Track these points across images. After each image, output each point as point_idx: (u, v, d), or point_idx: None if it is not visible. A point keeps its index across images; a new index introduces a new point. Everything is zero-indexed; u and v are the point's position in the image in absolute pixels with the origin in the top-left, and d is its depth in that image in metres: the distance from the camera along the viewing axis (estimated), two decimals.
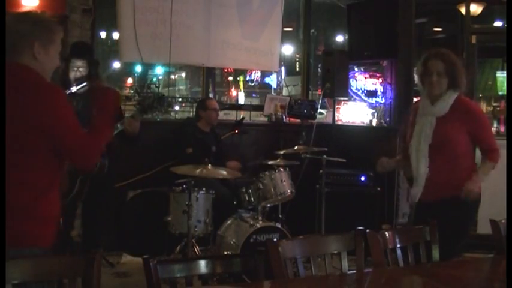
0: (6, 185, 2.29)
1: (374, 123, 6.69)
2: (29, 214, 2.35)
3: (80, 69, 4.42)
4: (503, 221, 2.86)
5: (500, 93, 7.39)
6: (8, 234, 2.25)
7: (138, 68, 18.75)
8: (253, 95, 16.43)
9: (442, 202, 3.32)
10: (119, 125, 4.09)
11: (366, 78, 6.91)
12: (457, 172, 3.37)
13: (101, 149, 2.52)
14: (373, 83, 6.88)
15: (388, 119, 6.58)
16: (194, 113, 5.70)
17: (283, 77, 11.51)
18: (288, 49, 13.01)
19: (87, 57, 4.50)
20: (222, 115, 6.40)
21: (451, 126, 3.37)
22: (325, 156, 5.26)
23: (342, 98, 6.65)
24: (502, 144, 5.08)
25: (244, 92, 16.15)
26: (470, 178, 3.33)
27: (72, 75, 4.44)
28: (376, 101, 6.82)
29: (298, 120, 6.45)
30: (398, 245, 2.69)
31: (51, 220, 2.46)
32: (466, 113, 3.39)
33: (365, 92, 6.87)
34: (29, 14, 2.52)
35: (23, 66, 2.37)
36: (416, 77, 3.49)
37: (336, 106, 6.61)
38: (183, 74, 18.46)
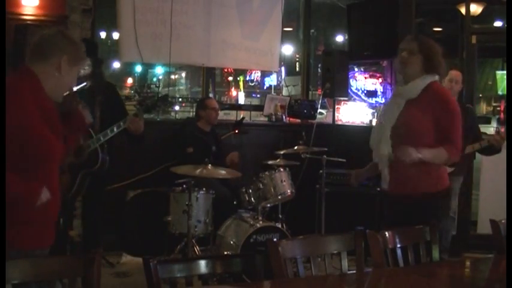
0: None
1: (374, 123, 6.69)
2: (18, 218, 2.34)
3: (85, 67, 4.41)
4: (503, 221, 2.86)
5: (500, 92, 7.40)
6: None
7: (138, 68, 18.75)
8: (253, 95, 16.44)
9: (410, 197, 3.14)
10: (122, 123, 4.09)
11: (366, 78, 6.91)
12: (422, 166, 3.11)
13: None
14: (373, 83, 6.88)
15: None
16: (194, 113, 5.70)
17: (283, 77, 11.51)
18: (288, 49, 13.02)
19: (91, 55, 4.49)
20: (222, 115, 6.40)
21: (417, 111, 3.16)
22: (325, 156, 5.26)
23: (342, 98, 6.65)
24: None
25: (244, 92, 16.16)
26: (434, 184, 3.15)
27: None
28: (376, 101, 6.82)
29: (298, 120, 6.45)
30: (398, 245, 2.69)
31: (47, 223, 2.48)
32: (437, 100, 3.18)
33: (365, 92, 6.87)
34: (68, 33, 2.67)
35: (30, 70, 2.46)
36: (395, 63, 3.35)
37: (336, 106, 6.60)
38: (183, 74, 18.48)
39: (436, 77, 3.26)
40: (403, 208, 3.16)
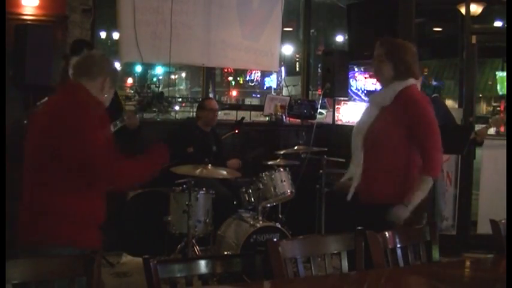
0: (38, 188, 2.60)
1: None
2: (62, 215, 2.60)
3: None
4: (503, 221, 2.86)
5: (500, 93, 7.40)
6: (43, 233, 2.56)
7: (138, 68, 18.76)
8: (253, 95, 16.45)
9: (376, 207, 3.05)
10: (118, 122, 4.11)
11: (366, 78, 6.92)
12: (394, 177, 3.05)
13: (131, 181, 2.87)
14: (373, 83, 6.89)
15: None
16: (194, 113, 5.70)
17: (283, 77, 11.52)
18: (288, 49, 13.03)
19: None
20: (222, 115, 6.40)
21: (390, 119, 3.05)
22: (325, 156, 5.25)
23: (342, 98, 6.65)
24: (502, 144, 5.11)
25: (244, 92, 16.18)
26: (403, 196, 2.99)
27: None
28: None
29: (298, 120, 6.45)
30: (398, 245, 2.69)
31: (89, 223, 2.68)
32: (409, 108, 3.03)
33: (365, 92, 6.88)
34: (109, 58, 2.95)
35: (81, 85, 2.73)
36: None
37: (336, 106, 6.61)
38: (183, 74, 18.49)
39: (410, 81, 3.12)
40: (367, 216, 3.01)
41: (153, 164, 2.88)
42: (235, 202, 5.09)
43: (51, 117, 2.66)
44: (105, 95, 2.81)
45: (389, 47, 3.16)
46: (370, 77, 6.92)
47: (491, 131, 5.77)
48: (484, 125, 5.58)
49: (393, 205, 3.01)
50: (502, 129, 6.11)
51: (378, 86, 6.85)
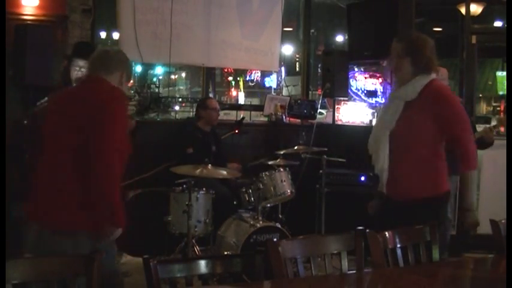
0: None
1: (374, 123, 6.68)
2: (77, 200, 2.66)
3: (82, 69, 4.44)
4: (503, 221, 2.86)
5: (500, 93, 7.39)
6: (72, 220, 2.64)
7: (138, 68, 18.70)
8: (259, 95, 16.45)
9: (411, 202, 3.06)
10: None
11: (366, 78, 6.90)
12: (425, 169, 3.09)
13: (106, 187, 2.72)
14: (373, 83, 6.87)
15: None
16: (194, 113, 5.70)
17: (283, 77, 11.51)
18: (288, 49, 13.02)
19: (88, 57, 4.51)
20: (222, 115, 6.40)
21: (417, 113, 3.06)
22: (325, 156, 5.25)
23: (342, 98, 6.65)
24: (502, 144, 5.11)
25: (244, 92, 16.16)
26: (433, 188, 3.09)
27: (74, 74, 4.45)
28: (376, 101, 6.81)
29: (298, 120, 6.45)
30: (398, 245, 2.69)
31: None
32: (435, 97, 3.07)
33: (365, 92, 6.87)
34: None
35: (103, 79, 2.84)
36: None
37: (336, 106, 6.60)
38: (183, 74, 18.47)
39: (433, 75, 3.14)
40: (403, 213, 3.06)
41: (117, 217, 2.74)
42: (235, 202, 5.09)
43: (84, 101, 2.74)
44: (122, 88, 2.91)
45: (407, 43, 3.15)
46: (370, 77, 6.91)
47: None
48: (486, 125, 5.57)
49: (425, 199, 3.06)
50: (502, 129, 6.12)
51: (379, 86, 6.88)
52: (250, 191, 4.95)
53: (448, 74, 4.99)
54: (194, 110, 5.79)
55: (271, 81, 15.15)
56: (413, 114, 3.08)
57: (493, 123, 13.53)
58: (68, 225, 2.66)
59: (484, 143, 5.07)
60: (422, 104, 3.07)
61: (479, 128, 5.74)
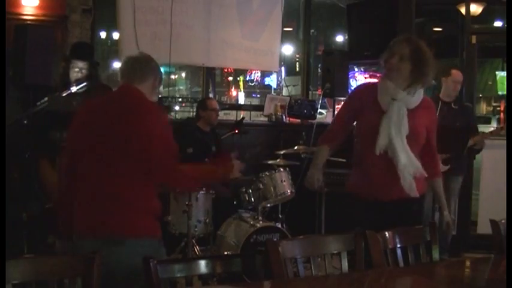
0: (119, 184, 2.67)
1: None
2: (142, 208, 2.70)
3: (83, 70, 4.45)
4: (503, 221, 2.86)
5: (500, 93, 7.39)
6: (125, 226, 2.64)
7: None
8: (253, 95, 16.43)
9: (398, 202, 3.09)
10: None
11: (366, 78, 6.92)
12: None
13: (189, 183, 2.98)
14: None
15: None
16: (194, 113, 5.70)
17: (283, 77, 11.51)
18: (288, 49, 13.02)
19: (88, 58, 4.52)
20: (222, 115, 6.41)
21: (420, 120, 3.15)
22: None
23: (342, 98, 6.64)
24: (502, 144, 5.11)
25: (244, 92, 16.16)
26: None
27: (73, 75, 4.46)
28: None
29: (298, 120, 6.45)
30: (398, 245, 2.69)
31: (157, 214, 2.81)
32: (430, 110, 3.27)
33: None
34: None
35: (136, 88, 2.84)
36: (381, 62, 3.19)
37: (336, 106, 6.60)
38: (183, 74, 18.46)
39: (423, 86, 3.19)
40: (391, 213, 3.06)
41: (214, 172, 2.99)
42: (235, 202, 5.09)
43: (121, 109, 2.76)
44: (156, 92, 2.98)
45: (415, 48, 3.12)
46: (370, 77, 6.92)
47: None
48: (484, 125, 5.60)
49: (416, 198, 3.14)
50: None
51: None
52: (250, 191, 4.95)
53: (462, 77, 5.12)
54: (194, 110, 5.79)
55: (271, 81, 15.15)
56: (416, 120, 3.14)
57: (493, 123, 13.55)
58: (133, 232, 2.67)
59: (474, 150, 5.12)
60: (419, 113, 3.16)
61: (480, 128, 5.75)
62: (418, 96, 3.16)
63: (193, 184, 3.07)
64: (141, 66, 2.89)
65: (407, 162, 3.07)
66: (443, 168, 3.47)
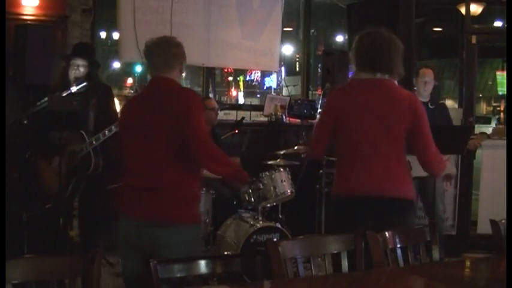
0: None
1: None
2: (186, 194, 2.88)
3: (81, 69, 4.45)
4: (503, 221, 2.86)
5: (500, 93, 7.40)
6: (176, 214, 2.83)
7: (138, 68, 18.75)
8: (257, 95, 16.45)
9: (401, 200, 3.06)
10: (113, 127, 4.12)
11: None
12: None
13: (228, 169, 3.05)
14: None
15: None
16: None
17: (283, 77, 11.52)
18: (288, 49, 13.04)
19: (88, 57, 4.52)
20: (222, 115, 6.40)
21: None
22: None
23: None
24: (502, 144, 5.11)
25: (244, 92, 16.18)
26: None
27: (73, 74, 4.46)
28: None
29: (298, 120, 6.45)
30: (398, 245, 2.69)
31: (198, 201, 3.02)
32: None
33: None
34: (175, 40, 3.06)
35: (170, 79, 2.94)
36: None
37: None
38: (183, 74, 18.51)
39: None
40: (387, 212, 3.02)
41: (233, 173, 3.10)
42: (235, 202, 5.08)
43: (167, 100, 2.87)
44: (182, 75, 3.08)
45: (367, 43, 3.27)
46: None
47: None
48: (484, 125, 5.60)
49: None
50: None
51: None
52: (250, 191, 4.94)
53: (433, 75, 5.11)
54: None
55: (271, 81, 15.16)
56: None
57: (493, 123, 13.55)
58: (174, 218, 2.84)
59: (468, 150, 5.11)
60: None
61: (478, 127, 5.75)
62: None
63: (230, 171, 3.09)
64: (166, 55, 2.93)
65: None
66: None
